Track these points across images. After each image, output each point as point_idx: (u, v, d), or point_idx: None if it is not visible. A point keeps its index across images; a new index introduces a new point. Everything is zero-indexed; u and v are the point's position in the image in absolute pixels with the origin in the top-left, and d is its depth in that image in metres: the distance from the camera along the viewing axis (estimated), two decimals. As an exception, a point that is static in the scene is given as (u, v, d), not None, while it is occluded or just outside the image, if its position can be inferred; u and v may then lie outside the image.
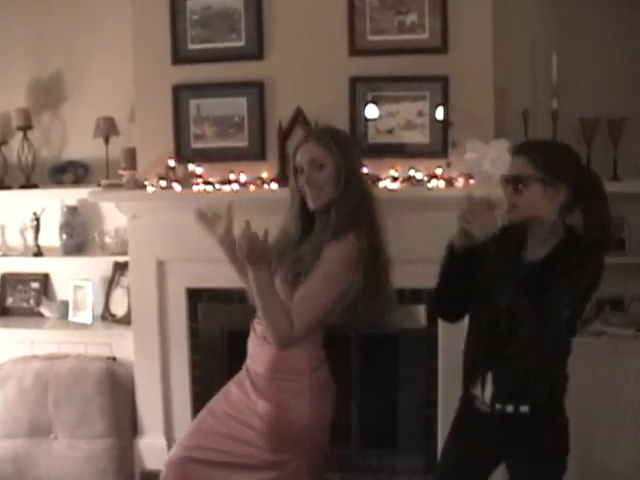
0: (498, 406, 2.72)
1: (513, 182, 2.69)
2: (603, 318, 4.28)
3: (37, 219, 4.79)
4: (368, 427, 4.45)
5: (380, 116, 4.09)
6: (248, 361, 2.91)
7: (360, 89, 4.08)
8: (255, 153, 4.18)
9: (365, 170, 3.12)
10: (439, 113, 4.02)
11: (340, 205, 2.69)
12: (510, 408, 2.71)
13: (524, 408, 2.71)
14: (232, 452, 2.81)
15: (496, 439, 2.77)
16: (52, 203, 4.79)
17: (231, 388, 2.94)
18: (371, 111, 4.08)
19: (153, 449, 4.38)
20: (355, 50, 4.08)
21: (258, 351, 2.84)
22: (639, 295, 4.36)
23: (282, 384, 2.78)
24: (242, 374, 2.93)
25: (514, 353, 2.68)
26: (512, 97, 4.28)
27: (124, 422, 4.42)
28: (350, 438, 4.44)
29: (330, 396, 2.89)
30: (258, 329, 2.84)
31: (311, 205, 2.73)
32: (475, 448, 2.85)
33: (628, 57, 4.32)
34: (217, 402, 2.96)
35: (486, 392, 2.73)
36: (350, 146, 2.85)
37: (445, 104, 4.01)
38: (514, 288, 2.58)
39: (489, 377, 2.73)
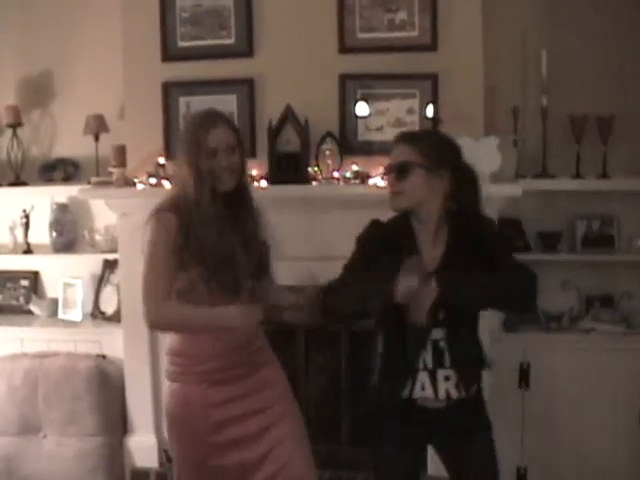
0: (455, 396, 2.74)
1: (397, 169, 2.73)
2: (593, 315, 4.30)
3: (27, 216, 4.78)
4: (358, 423, 4.45)
5: (370, 114, 4.10)
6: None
7: (350, 86, 4.08)
8: (245, 150, 4.17)
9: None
10: (429, 110, 4.02)
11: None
12: (465, 393, 2.75)
13: (474, 387, 2.79)
14: None
15: (449, 429, 2.78)
16: (42, 200, 4.77)
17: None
18: (361, 109, 4.09)
19: (143, 447, 4.38)
20: (345, 48, 4.08)
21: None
22: (629, 292, 4.38)
23: None
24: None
25: (459, 347, 2.72)
26: (502, 94, 4.30)
27: (114, 420, 4.41)
28: (340, 435, 4.45)
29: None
30: None
31: (225, 187, 2.77)
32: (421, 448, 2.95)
33: (619, 54, 4.33)
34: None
35: (440, 390, 2.73)
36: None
37: (435, 101, 4.01)
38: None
39: (439, 375, 2.73)
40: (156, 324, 2.82)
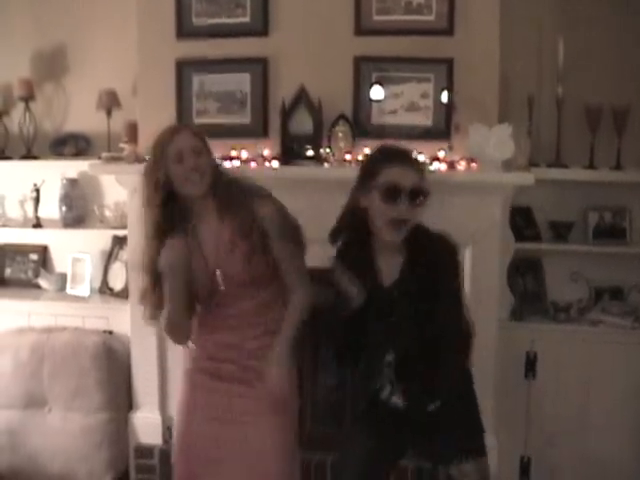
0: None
1: (411, 195, 2.64)
2: (601, 307, 4.28)
3: (37, 190, 4.78)
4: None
5: (384, 98, 4.07)
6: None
7: (364, 69, 4.04)
8: (257, 130, 4.16)
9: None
10: (443, 96, 4.00)
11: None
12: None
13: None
14: None
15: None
16: (52, 175, 4.77)
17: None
18: (377, 92, 4.06)
19: (148, 424, 4.38)
20: (360, 30, 4.04)
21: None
22: (639, 285, 4.35)
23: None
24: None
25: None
26: (517, 82, 4.26)
27: (119, 396, 4.41)
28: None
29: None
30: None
31: (196, 190, 2.79)
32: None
33: (636, 43, 4.28)
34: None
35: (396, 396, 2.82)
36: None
37: (449, 87, 3.98)
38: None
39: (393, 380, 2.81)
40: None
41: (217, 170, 2.88)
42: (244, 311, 2.89)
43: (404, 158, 2.74)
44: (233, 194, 2.84)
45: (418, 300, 2.64)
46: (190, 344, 3.02)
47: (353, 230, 2.77)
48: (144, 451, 4.37)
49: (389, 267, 2.72)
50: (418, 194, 2.65)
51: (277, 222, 2.82)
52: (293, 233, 2.87)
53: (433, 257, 2.70)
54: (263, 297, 2.90)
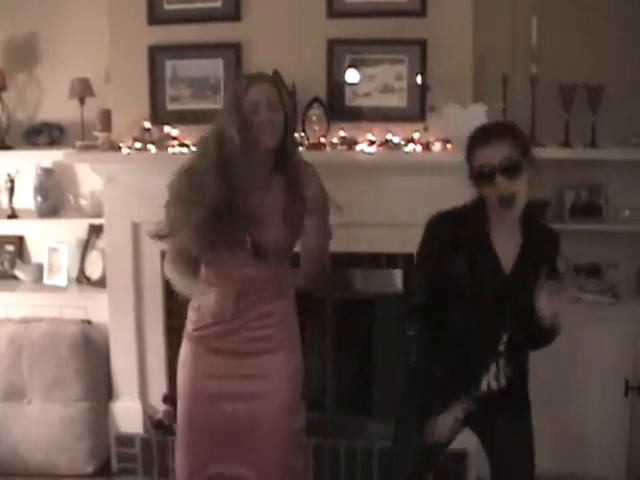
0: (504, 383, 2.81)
1: (508, 170, 2.57)
2: (579, 284, 4.30)
3: (11, 181, 4.74)
4: (344, 392, 4.46)
5: (359, 81, 4.06)
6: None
7: (338, 51, 4.04)
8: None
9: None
10: (417, 77, 3.99)
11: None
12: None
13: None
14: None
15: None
16: (27, 165, 4.73)
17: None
18: (352, 75, 4.06)
19: (128, 413, 4.38)
20: (333, 12, 4.03)
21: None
22: (615, 262, 4.38)
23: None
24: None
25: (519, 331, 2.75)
26: (491, 61, 4.24)
27: (99, 386, 4.40)
28: (326, 403, 4.45)
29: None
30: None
31: (267, 144, 2.70)
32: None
33: (610, 22, 4.28)
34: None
35: (501, 379, 2.80)
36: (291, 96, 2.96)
37: (423, 68, 3.98)
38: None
39: (500, 365, 2.79)
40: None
41: (288, 128, 2.78)
42: (249, 277, 2.80)
43: (486, 136, 2.66)
44: (293, 164, 2.79)
45: (533, 284, 2.61)
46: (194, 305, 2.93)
47: (472, 215, 2.71)
48: (125, 440, 4.36)
49: (506, 251, 2.68)
50: (510, 168, 2.57)
51: (323, 204, 2.76)
52: (328, 214, 2.82)
53: (547, 244, 2.74)
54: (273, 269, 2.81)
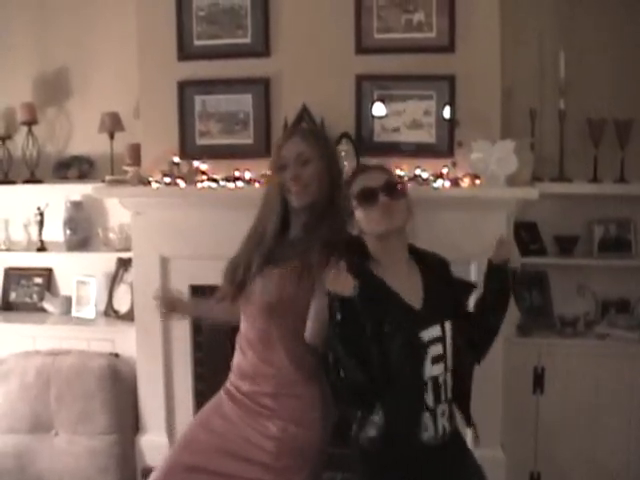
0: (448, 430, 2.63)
1: (387, 190, 2.53)
2: (608, 320, 4.27)
3: (41, 214, 4.78)
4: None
5: (386, 114, 4.07)
6: (238, 381, 2.85)
7: (366, 87, 4.05)
8: (260, 150, 4.14)
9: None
10: (446, 112, 4.00)
11: (330, 213, 2.68)
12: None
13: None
14: (232, 473, 2.74)
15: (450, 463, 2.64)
16: (56, 198, 4.78)
17: (223, 402, 2.89)
18: (378, 109, 4.06)
19: (155, 446, 4.35)
20: (362, 48, 4.04)
21: (256, 372, 2.79)
22: (645, 297, 4.35)
23: (292, 400, 2.74)
24: (231, 390, 2.88)
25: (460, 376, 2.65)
26: (519, 96, 4.27)
27: (126, 419, 4.40)
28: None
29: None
30: (252, 352, 2.81)
31: (295, 202, 2.69)
32: None
33: (637, 56, 4.29)
34: (208, 416, 2.90)
35: (438, 426, 2.58)
36: (333, 147, 2.86)
37: (452, 103, 3.98)
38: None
39: (440, 411, 2.58)
40: None
41: (323, 181, 2.71)
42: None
43: (367, 168, 2.69)
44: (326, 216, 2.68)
45: (452, 312, 2.59)
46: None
47: (356, 256, 2.59)
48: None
49: (407, 288, 2.58)
50: (393, 187, 2.55)
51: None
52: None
53: (443, 266, 2.71)
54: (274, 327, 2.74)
